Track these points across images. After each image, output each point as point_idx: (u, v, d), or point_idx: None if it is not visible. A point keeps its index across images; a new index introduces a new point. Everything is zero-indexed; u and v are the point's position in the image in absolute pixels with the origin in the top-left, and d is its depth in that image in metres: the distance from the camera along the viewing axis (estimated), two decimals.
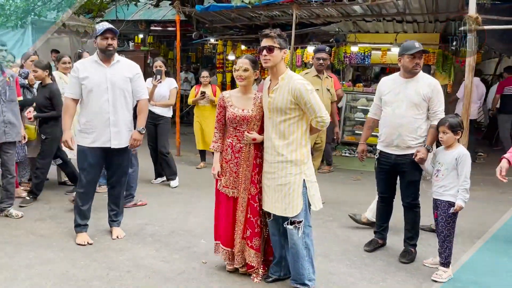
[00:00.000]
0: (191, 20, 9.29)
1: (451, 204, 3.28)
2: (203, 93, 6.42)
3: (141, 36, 13.44)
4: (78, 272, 3.21)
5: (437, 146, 3.56)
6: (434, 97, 3.48)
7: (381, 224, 3.90)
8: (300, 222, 2.95)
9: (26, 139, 4.62)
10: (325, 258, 3.62)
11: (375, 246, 3.85)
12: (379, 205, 3.89)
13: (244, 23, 9.01)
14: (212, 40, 11.15)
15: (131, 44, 13.06)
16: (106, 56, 3.63)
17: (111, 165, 3.85)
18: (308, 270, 3.01)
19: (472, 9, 4.97)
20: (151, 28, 13.17)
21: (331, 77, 5.22)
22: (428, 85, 3.50)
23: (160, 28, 13.17)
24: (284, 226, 3.00)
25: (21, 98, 4.57)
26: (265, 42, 2.95)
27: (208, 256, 3.51)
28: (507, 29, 5.28)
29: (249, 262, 3.17)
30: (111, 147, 3.68)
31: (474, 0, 4.96)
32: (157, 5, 11.40)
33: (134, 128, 3.81)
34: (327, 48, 4.99)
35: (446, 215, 3.31)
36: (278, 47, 2.92)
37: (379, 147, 3.72)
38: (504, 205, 5.29)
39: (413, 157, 3.47)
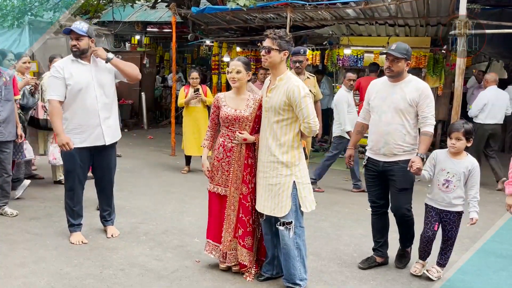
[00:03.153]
0: (187, 21, 9.35)
1: (460, 214, 3.26)
2: (197, 90, 6.14)
3: (137, 37, 13.48)
4: (72, 270, 3.24)
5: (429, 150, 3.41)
6: (422, 102, 3.26)
7: (377, 240, 3.61)
8: (290, 223, 2.99)
9: (23, 139, 4.66)
10: (316, 257, 3.67)
11: (370, 264, 3.55)
12: (372, 218, 3.63)
13: (239, 25, 9.07)
14: (207, 42, 11.20)
15: (127, 45, 13.10)
16: (73, 55, 3.56)
17: (100, 166, 3.78)
18: (300, 270, 3.06)
19: (462, 14, 5.08)
20: (148, 29, 13.21)
21: (313, 76, 5.28)
22: (416, 89, 3.28)
23: (157, 30, 13.21)
24: (276, 226, 3.05)
25: (18, 96, 4.60)
26: (265, 43, 3.00)
27: (201, 254, 3.55)
28: (496, 34, 5.39)
29: (241, 261, 3.22)
30: (106, 144, 3.65)
31: (464, 5, 5.07)
32: (153, 7, 11.42)
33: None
34: (302, 50, 4.96)
35: (456, 225, 3.28)
36: (277, 49, 2.96)
37: (367, 153, 3.55)
38: (492, 205, 5.37)
39: (408, 168, 3.20)
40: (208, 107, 6.44)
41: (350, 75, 5.88)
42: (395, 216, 3.49)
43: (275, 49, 2.96)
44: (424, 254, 3.44)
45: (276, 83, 3.00)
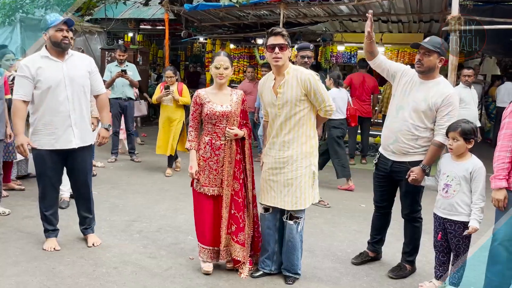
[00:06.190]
0: (180, 18, 9.31)
1: (466, 225, 2.88)
2: (167, 88, 5.93)
3: (130, 34, 13.40)
4: (65, 268, 3.22)
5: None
6: (443, 108, 2.98)
7: (374, 236, 3.58)
8: (301, 218, 3.08)
9: (12, 138, 4.61)
10: (310, 253, 3.68)
11: (363, 259, 3.55)
12: (374, 215, 3.57)
13: (233, 22, 9.07)
14: (201, 39, 11.18)
15: (120, 42, 13.01)
16: (61, 49, 3.32)
17: (74, 169, 3.54)
18: (300, 261, 3.19)
19: (455, 10, 5.10)
20: (141, 26, 13.13)
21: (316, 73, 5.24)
22: (441, 94, 2.99)
23: (150, 27, 13.13)
24: (284, 220, 3.10)
25: (9, 96, 4.55)
26: (276, 40, 2.97)
27: (195, 252, 3.53)
28: (489, 30, 5.41)
29: (234, 257, 3.20)
30: (75, 147, 3.42)
31: (457, 1, 5.09)
32: (146, 4, 11.36)
33: None
34: (311, 46, 4.84)
35: (463, 237, 2.91)
36: (288, 45, 2.99)
37: (380, 150, 3.37)
38: (488, 201, 5.39)
39: (406, 177, 3.08)
40: (186, 106, 6.18)
41: (466, 71, 5.98)
42: (404, 220, 3.39)
43: (287, 45, 2.98)
44: (437, 270, 3.13)
45: (285, 77, 3.01)
